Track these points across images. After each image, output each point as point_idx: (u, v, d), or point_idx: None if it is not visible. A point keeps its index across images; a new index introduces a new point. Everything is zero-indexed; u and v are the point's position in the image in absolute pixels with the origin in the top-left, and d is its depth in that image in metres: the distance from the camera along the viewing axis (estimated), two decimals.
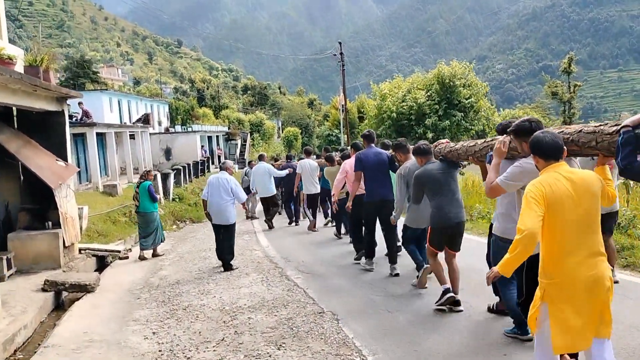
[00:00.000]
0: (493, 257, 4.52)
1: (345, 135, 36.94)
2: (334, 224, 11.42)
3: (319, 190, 12.22)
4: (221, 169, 8.89)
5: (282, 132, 70.87)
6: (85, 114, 20.56)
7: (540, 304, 3.02)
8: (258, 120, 63.76)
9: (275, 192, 13.18)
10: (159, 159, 33.63)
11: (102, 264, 10.36)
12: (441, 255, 5.78)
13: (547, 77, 57.63)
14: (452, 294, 5.52)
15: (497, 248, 4.39)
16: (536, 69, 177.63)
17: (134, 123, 29.28)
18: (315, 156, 14.56)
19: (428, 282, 6.44)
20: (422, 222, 6.32)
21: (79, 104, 21.24)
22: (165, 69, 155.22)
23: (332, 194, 9.67)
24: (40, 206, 9.43)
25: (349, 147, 10.76)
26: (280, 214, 14.45)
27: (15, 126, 9.84)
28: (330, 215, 12.53)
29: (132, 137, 27.92)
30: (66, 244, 9.23)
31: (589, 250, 2.96)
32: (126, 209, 14.73)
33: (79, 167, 23.31)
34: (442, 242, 5.67)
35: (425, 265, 6.38)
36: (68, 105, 10.59)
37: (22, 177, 9.87)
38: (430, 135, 18.26)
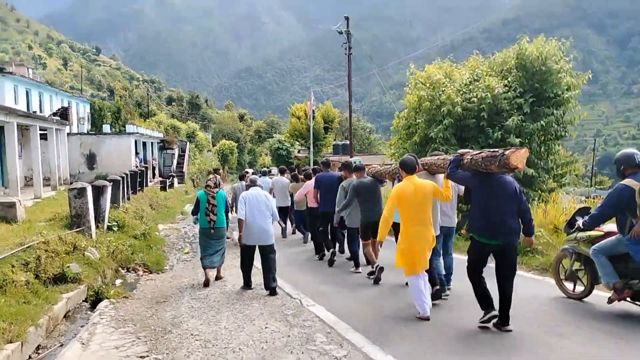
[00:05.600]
0: None
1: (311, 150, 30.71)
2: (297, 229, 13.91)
3: (289, 204, 13.69)
4: (254, 184, 8.29)
5: (213, 145, 65.47)
6: None
7: (399, 253, 6.05)
8: (191, 131, 56.83)
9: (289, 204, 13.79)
10: (78, 167, 25.63)
11: None
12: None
13: None
14: (382, 267, 8.03)
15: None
16: None
17: (48, 116, 21.34)
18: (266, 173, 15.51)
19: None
20: (355, 222, 8.77)
21: None
22: (82, 76, 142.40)
23: (293, 201, 12.99)
24: None
25: (309, 167, 14.48)
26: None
27: None
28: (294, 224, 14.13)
29: (43, 137, 20.20)
30: None
31: (421, 223, 5.91)
32: (30, 254, 7.47)
33: None
34: (368, 234, 8.29)
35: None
36: None
37: None
38: (517, 141, 12.07)
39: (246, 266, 8.11)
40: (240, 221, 7.86)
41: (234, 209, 12.10)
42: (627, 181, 5.77)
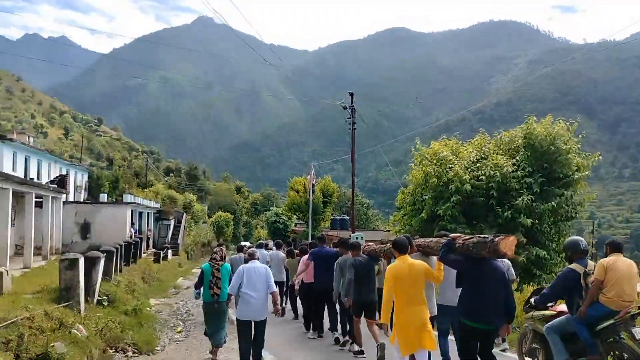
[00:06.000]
0: None
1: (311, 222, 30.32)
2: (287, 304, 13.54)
3: (284, 279, 13.37)
4: (252, 257, 8.11)
5: (209, 217, 65.13)
6: None
7: (395, 332, 6.02)
8: (188, 202, 56.55)
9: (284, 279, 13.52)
10: (71, 236, 24.97)
11: None
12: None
13: None
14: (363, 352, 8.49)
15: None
16: None
17: (45, 184, 21.00)
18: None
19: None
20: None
21: None
22: (82, 145, 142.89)
23: (293, 279, 12.07)
24: None
25: (304, 242, 14.93)
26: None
27: None
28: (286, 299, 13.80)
29: (38, 204, 19.78)
30: None
31: (414, 302, 5.98)
32: (12, 331, 6.87)
33: None
34: (360, 312, 8.44)
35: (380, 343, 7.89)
36: None
37: None
38: (528, 222, 11.74)
39: (245, 343, 7.80)
40: (229, 295, 8.10)
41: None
42: (574, 265, 6.33)
